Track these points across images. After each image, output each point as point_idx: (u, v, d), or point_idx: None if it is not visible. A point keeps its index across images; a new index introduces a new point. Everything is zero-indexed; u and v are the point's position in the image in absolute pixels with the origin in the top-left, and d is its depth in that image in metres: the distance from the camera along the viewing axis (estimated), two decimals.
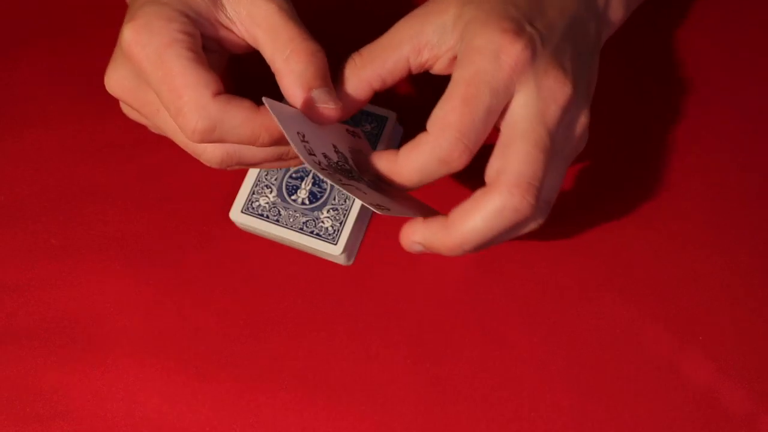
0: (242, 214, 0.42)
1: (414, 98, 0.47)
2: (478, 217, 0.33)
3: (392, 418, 0.40)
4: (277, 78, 0.34)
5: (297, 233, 0.41)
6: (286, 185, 0.42)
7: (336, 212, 0.42)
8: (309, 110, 0.33)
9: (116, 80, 0.35)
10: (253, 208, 0.42)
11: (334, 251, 0.41)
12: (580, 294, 0.42)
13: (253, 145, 0.34)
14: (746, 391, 0.40)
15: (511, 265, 0.43)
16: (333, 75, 0.35)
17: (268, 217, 0.42)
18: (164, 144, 0.46)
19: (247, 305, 0.42)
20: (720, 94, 0.47)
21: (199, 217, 0.44)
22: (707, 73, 0.48)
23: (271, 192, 0.42)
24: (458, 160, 0.33)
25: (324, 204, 0.42)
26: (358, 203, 0.42)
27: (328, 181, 0.34)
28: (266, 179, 0.42)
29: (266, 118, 0.33)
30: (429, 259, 0.43)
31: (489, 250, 0.42)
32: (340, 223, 0.41)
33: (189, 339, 0.42)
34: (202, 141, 0.33)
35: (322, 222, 0.41)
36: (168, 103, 0.32)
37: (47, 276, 0.43)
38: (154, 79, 0.32)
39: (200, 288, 0.43)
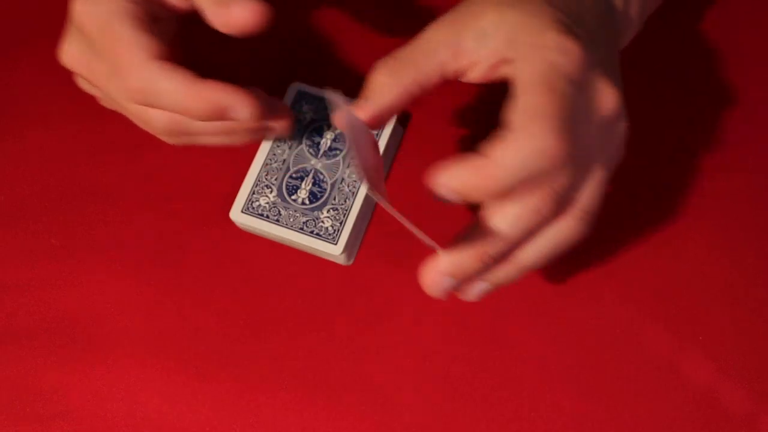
0: (242, 214, 0.42)
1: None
2: (513, 156, 0.30)
3: (392, 418, 0.40)
4: (201, 11, 0.34)
5: (297, 233, 0.41)
6: (287, 185, 0.42)
7: (336, 212, 0.42)
8: (220, 11, 0.33)
9: (70, 53, 0.36)
10: (253, 208, 0.42)
11: (334, 251, 0.41)
12: (580, 294, 0.42)
13: (190, 116, 0.34)
14: (746, 391, 0.40)
15: None
16: (365, 83, 0.34)
17: (268, 217, 0.42)
18: (164, 144, 0.46)
19: (247, 305, 0.42)
20: (720, 93, 0.47)
21: (199, 217, 0.44)
22: (707, 73, 0.48)
23: (271, 192, 0.42)
24: (559, 152, 0.30)
25: (324, 204, 0.42)
26: (358, 203, 0.42)
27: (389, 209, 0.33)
28: (266, 179, 0.42)
29: (206, 91, 0.33)
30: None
31: None
32: (340, 223, 0.41)
33: (189, 339, 0.42)
34: (138, 102, 0.34)
35: (322, 222, 0.41)
36: (110, 64, 0.34)
37: (47, 276, 0.43)
38: (99, 45, 0.34)
39: (200, 288, 0.43)
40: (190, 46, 0.48)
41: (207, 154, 0.46)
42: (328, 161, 0.43)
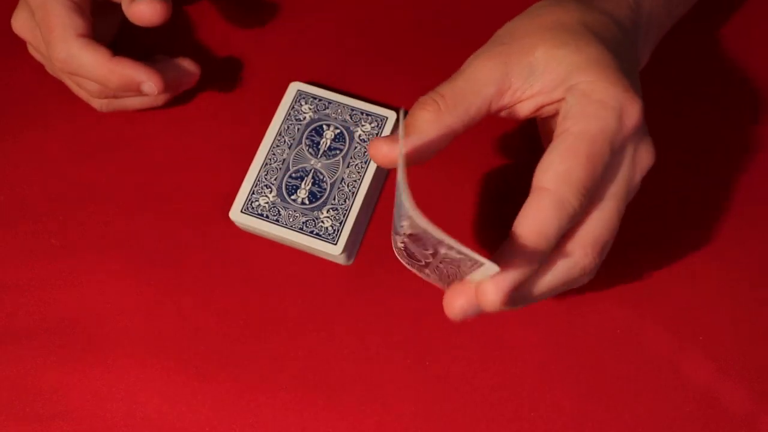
0: (242, 214, 0.42)
1: (416, 98, 0.47)
2: (550, 276, 0.32)
3: (392, 418, 0.40)
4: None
5: (297, 233, 0.41)
6: (286, 185, 0.42)
7: (336, 212, 0.42)
8: (131, 10, 0.38)
9: (20, 22, 0.43)
10: (252, 208, 0.42)
11: (334, 251, 0.41)
12: (580, 294, 0.42)
13: (106, 86, 0.41)
14: (746, 391, 0.40)
15: None
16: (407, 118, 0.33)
17: (267, 217, 0.42)
18: (164, 144, 0.47)
19: (247, 305, 0.42)
20: (720, 94, 0.47)
21: (199, 217, 0.44)
22: (709, 71, 0.48)
23: (270, 192, 0.42)
24: (579, 217, 0.30)
25: (324, 204, 0.42)
26: (358, 203, 0.42)
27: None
28: (266, 179, 0.42)
29: (118, 67, 0.40)
30: None
31: None
32: (340, 223, 0.41)
33: (189, 339, 0.42)
34: (64, 71, 0.41)
35: (322, 222, 0.41)
36: (44, 38, 0.40)
37: (47, 276, 0.43)
38: (38, 19, 0.41)
39: (200, 288, 0.43)
40: (191, 46, 0.48)
41: (207, 155, 0.46)
42: (328, 161, 0.43)
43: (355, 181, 0.42)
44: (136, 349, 0.42)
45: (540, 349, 0.41)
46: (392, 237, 0.35)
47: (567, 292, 0.42)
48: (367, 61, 0.48)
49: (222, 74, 0.48)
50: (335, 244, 0.41)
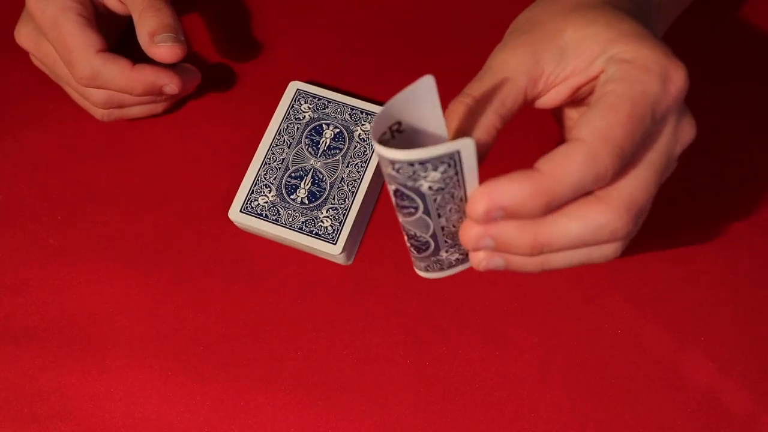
0: (241, 214, 0.42)
1: None
2: (577, 224, 0.30)
3: (392, 418, 0.40)
4: (136, 30, 0.41)
5: (296, 233, 0.41)
6: (286, 184, 0.42)
7: (336, 212, 0.41)
8: (153, 51, 0.41)
9: (24, 35, 0.44)
10: (252, 208, 0.42)
11: (333, 251, 0.41)
12: (580, 294, 0.42)
13: (129, 94, 0.43)
14: (747, 391, 0.40)
15: None
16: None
17: (267, 216, 0.41)
18: (164, 144, 0.46)
19: (247, 305, 0.42)
20: (721, 93, 0.47)
21: (199, 217, 0.44)
22: (709, 72, 0.48)
23: (270, 191, 0.42)
24: (609, 179, 0.29)
25: (323, 203, 0.42)
26: (357, 203, 0.42)
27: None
28: (265, 178, 0.42)
29: (141, 75, 0.42)
30: None
31: None
32: (340, 223, 0.41)
33: (188, 339, 0.41)
34: (88, 86, 0.42)
35: (322, 221, 0.41)
36: (62, 57, 0.42)
37: (46, 276, 0.43)
38: (51, 38, 0.42)
39: (199, 288, 0.43)
40: (190, 46, 0.48)
41: (206, 154, 0.46)
42: (327, 160, 0.43)
43: (354, 180, 0.42)
44: (135, 349, 0.41)
45: (540, 349, 0.41)
46: (414, 263, 0.34)
47: (567, 291, 0.42)
48: (367, 61, 0.48)
49: (222, 74, 0.48)
50: (335, 243, 0.41)
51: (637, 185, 0.30)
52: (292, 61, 0.48)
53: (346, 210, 0.42)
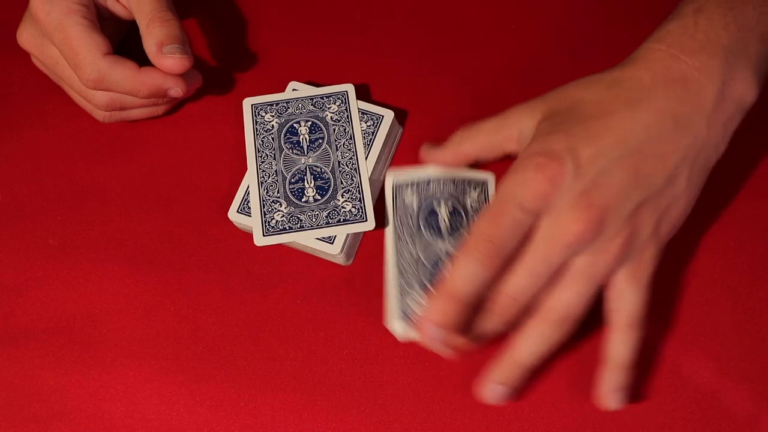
0: (239, 214, 0.42)
1: (419, 99, 0.47)
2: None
3: (392, 418, 0.40)
4: (142, 39, 0.42)
5: (326, 228, 0.41)
6: (291, 192, 0.42)
7: (350, 193, 0.42)
8: (160, 61, 0.41)
9: (26, 37, 0.44)
10: (272, 227, 0.41)
11: (333, 251, 0.41)
12: None
13: (135, 96, 0.43)
14: (748, 392, 0.40)
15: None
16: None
17: (291, 228, 0.41)
18: (164, 144, 0.47)
19: (246, 305, 0.42)
20: None
21: (198, 217, 0.44)
22: None
23: (281, 205, 0.41)
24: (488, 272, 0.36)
25: (335, 192, 0.42)
26: (365, 174, 0.42)
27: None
28: (269, 196, 0.42)
29: (148, 78, 0.42)
30: None
31: None
32: (360, 201, 0.41)
33: (187, 339, 0.41)
34: (95, 88, 0.42)
35: (343, 206, 0.41)
36: (68, 59, 0.42)
37: (45, 276, 0.43)
38: (56, 41, 0.42)
39: (199, 288, 0.43)
40: (192, 46, 0.48)
41: (206, 154, 0.46)
42: (316, 153, 0.43)
43: (350, 158, 0.42)
44: (135, 349, 0.41)
45: None
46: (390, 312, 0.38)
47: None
48: (367, 61, 0.48)
49: (222, 74, 0.48)
50: (366, 220, 0.41)
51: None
52: (292, 61, 0.48)
53: (359, 186, 0.42)
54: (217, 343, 0.41)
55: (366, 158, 0.43)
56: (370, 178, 0.42)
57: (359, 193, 0.41)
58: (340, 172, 0.42)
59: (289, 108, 0.44)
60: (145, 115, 0.46)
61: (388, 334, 0.41)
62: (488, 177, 0.43)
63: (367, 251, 0.43)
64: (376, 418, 0.40)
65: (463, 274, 0.35)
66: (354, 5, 0.50)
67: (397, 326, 0.39)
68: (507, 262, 0.36)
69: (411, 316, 0.39)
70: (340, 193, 0.42)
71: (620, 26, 0.48)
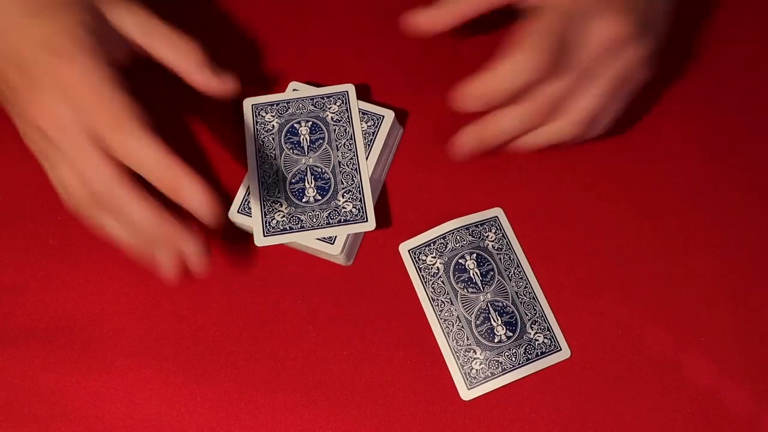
0: (239, 215, 0.42)
1: (419, 98, 0.47)
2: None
3: (392, 419, 0.40)
4: (178, 72, 0.40)
5: (326, 229, 0.41)
6: (292, 192, 0.42)
7: (350, 193, 0.42)
8: (207, 86, 0.40)
9: (48, 109, 0.37)
10: (272, 228, 0.41)
11: (333, 251, 0.41)
12: (581, 294, 0.42)
13: (156, 183, 0.37)
14: (748, 392, 0.40)
15: None
16: None
17: (291, 228, 0.41)
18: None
19: (247, 306, 0.42)
20: (722, 93, 0.47)
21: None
22: (709, 72, 0.48)
23: (281, 206, 0.42)
24: (544, 66, 0.38)
25: (335, 192, 0.42)
26: (365, 174, 0.42)
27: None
28: (270, 197, 0.42)
29: (181, 177, 0.36)
30: None
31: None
32: (360, 201, 0.41)
33: (188, 339, 0.41)
34: (118, 156, 0.36)
35: (344, 207, 0.41)
36: (101, 123, 0.36)
37: (45, 276, 0.43)
38: (90, 107, 0.36)
39: (199, 288, 0.43)
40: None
41: (206, 154, 0.46)
42: (316, 153, 0.43)
43: (351, 158, 0.42)
44: (135, 349, 0.41)
45: None
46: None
47: (567, 291, 0.42)
48: (367, 61, 0.48)
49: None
50: (367, 221, 0.41)
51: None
52: (293, 61, 0.48)
53: (359, 186, 0.42)
54: (217, 343, 0.41)
55: (366, 158, 0.43)
56: (370, 178, 0.42)
57: (360, 193, 0.41)
58: (340, 172, 0.42)
59: (289, 108, 0.44)
60: (122, 237, 0.39)
61: (388, 334, 0.41)
62: (497, 212, 0.43)
63: (367, 251, 0.43)
64: (376, 418, 0.40)
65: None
66: (354, 5, 0.50)
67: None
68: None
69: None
70: (340, 193, 0.42)
71: None
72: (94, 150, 0.36)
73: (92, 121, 0.36)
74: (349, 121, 0.43)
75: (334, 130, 0.43)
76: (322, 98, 0.44)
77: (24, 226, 0.44)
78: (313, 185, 0.42)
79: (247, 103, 0.44)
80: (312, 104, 0.44)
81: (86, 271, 0.43)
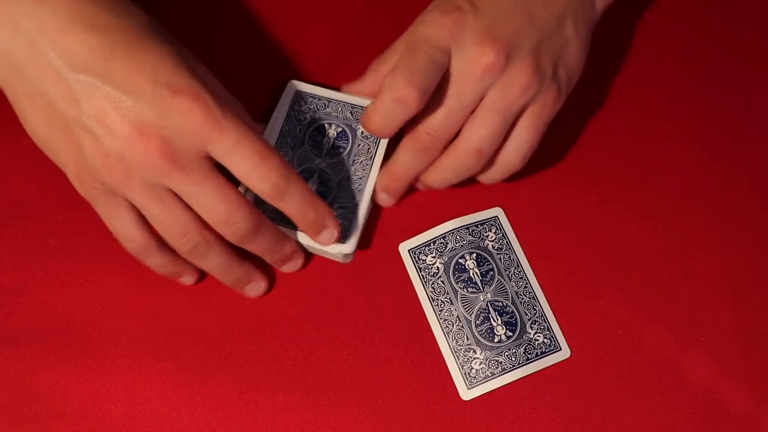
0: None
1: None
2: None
3: (392, 419, 0.40)
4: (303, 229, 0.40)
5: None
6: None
7: (344, 210, 0.41)
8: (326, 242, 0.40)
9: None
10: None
11: (345, 250, 0.40)
12: (581, 294, 0.42)
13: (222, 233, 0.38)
14: (748, 392, 0.40)
15: None
16: None
17: (278, 220, 0.40)
18: None
19: (246, 305, 0.42)
20: (722, 93, 0.47)
21: None
22: (709, 72, 0.48)
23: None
24: (414, 102, 0.37)
25: (331, 203, 0.41)
26: (366, 199, 0.41)
27: None
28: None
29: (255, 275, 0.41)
30: None
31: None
32: (350, 222, 0.41)
33: (188, 339, 0.41)
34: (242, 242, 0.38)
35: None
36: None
37: (45, 276, 0.43)
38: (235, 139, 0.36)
39: (199, 288, 0.43)
40: (190, 46, 0.48)
41: None
42: (332, 160, 0.42)
43: (361, 178, 0.42)
44: (135, 349, 0.41)
45: None
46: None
47: (567, 291, 0.42)
48: (367, 61, 0.48)
49: (221, 74, 0.48)
50: (345, 242, 0.40)
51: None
52: (292, 61, 0.48)
53: (354, 208, 0.41)
54: (218, 343, 0.41)
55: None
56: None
57: (352, 215, 0.41)
58: (345, 186, 0.41)
59: (328, 107, 0.43)
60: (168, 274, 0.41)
61: (388, 334, 0.41)
62: (497, 212, 0.43)
63: (367, 251, 0.43)
64: (376, 418, 0.40)
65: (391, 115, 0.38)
66: (354, 5, 0.50)
67: (469, 394, 0.39)
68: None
69: (478, 377, 0.39)
70: (335, 206, 0.41)
71: (619, 23, 0.48)
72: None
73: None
74: (376, 143, 0.43)
75: (359, 145, 0.43)
76: (362, 110, 0.43)
77: (24, 226, 0.44)
78: (314, 188, 0.41)
79: (291, 87, 0.44)
80: (350, 112, 0.43)
81: (86, 271, 0.43)
